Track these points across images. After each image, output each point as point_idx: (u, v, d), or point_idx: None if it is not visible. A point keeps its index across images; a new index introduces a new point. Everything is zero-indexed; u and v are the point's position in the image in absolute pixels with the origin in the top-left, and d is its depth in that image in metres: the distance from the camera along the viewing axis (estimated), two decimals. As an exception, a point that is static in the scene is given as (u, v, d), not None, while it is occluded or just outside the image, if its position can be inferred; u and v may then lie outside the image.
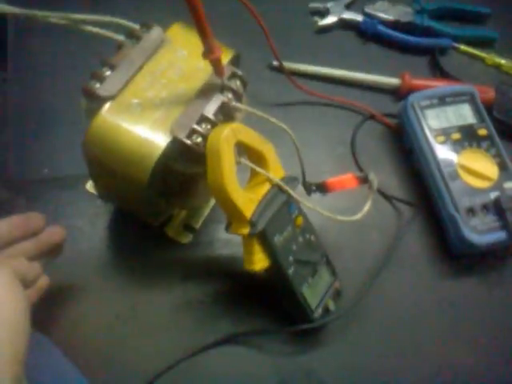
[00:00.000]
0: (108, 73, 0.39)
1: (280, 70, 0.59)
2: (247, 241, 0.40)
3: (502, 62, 0.65)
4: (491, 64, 0.65)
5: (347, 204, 0.52)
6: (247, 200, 0.39)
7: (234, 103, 0.40)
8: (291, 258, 0.42)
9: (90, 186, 0.51)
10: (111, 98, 0.38)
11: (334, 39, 0.65)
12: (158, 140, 0.37)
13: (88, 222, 0.50)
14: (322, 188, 0.47)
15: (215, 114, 0.39)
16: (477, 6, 0.68)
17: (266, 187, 0.40)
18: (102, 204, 0.50)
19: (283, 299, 0.45)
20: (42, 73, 0.59)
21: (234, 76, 0.41)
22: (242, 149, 0.40)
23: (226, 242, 0.50)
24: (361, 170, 0.56)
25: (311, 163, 0.55)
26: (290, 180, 0.42)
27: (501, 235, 0.50)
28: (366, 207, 0.43)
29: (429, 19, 0.64)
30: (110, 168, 0.38)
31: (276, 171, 0.41)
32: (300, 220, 0.42)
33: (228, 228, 0.41)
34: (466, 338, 0.49)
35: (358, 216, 0.43)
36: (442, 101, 0.56)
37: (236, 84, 0.41)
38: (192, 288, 0.48)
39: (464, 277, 0.52)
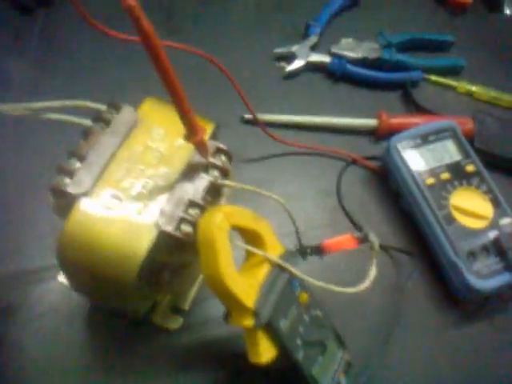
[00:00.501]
0: (77, 165, 0.34)
1: (254, 122, 0.56)
2: (250, 332, 0.36)
3: (473, 88, 0.64)
4: (463, 92, 0.64)
5: (345, 261, 0.50)
6: (247, 288, 0.35)
7: (221, 181, 0.36)
8: (299, 342, 0.38)
9: (62, 277, 0.46)
10: (84, 194, 0.33)
11: (302, 83, 0.63)
12: (143, 236, 0.33)
13: (64, 321, 0.44)
14: (318, 251, 0.44)
15: (203, 197, 0.35)
16: (441, 35, 0.67)
17: (266, 268, 0.37)
18: (77, 297, 0.45)
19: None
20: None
21: (218, 151, 0.37)
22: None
23: (221, 321, 0.46)
24: (352, 221, 0.54)
25: (299, 218, 0.52)
26: (289, 256, 0.39)
27: (505, 277, 0.48)
28: (372, 273, 0.40)
29: (396, 53, 0.63)
30: (89, 271, 0.34)
31: (274, 249, 0.38)
32: (304, 297, 0.39)
33: (227, 319, 0.37)
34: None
35: (366, 284, 0.39)
36: (425, 140, 0.54)
37: (221, 160, 0.37)
38: (187, 381, 0.43)
39: (471, 323, 0.49)
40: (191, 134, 0.33)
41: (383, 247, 0.52)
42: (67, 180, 0.34)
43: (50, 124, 0.37)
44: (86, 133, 0.36)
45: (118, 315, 0.44)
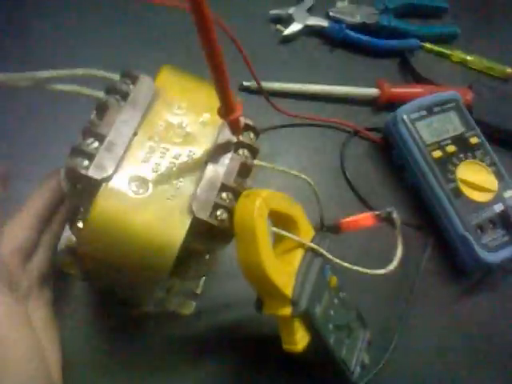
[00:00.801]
0: (95, 145, 0.30)
1: (253, 90, 0.53)
2: (286, 321, 0.34)
3: (468, 58, 0.63)
4: (458, 61, 0.63)
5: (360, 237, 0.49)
6: (286, 276, 0.33)
7: (251, 161, 0.33)
8: (331, 326, 0.37)
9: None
10: (107, 179, 0.30)
11: (299, 48, 0.59)
12: (177, 223, 0.30)
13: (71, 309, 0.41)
14: (335, 229, 0.42)
15: (236, 180, 0.32)
16: (435, 1, 0.65)
17: (300, 253, 0.35)
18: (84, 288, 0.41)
19: (315, 364, 0.40)
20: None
21: (247, 128, 0.34)
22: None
23: (236, 301, 0.44)
24: (358, 195, 0.52)
25: (303, 193, 0.50)
26: (321, 238, 0.37)
27: (511, 250, 0.48)
28: (399, 253, 0.39)
29: (394, 19, 0.61)
30: (117, 263, 0.31)
31: (306, 232, 0.36)
32: (334, 281, 0.37)
33: (260, 307, 0.35)
34: (490, 354, 0.47)
35: (395, 264, 0.38)
36: (430, 111, 0.53)
37: (250, 138, 0.34)
38: (208, 365, 0.41)
39: (477, 293, 0.50)
40: (228, 111, 0.29)
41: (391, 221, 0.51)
42: (86, 162, 0.30)
43: (55, 96, 0.32)
44: (101, 107, 0.32)
45: (128, 305, 0.41)
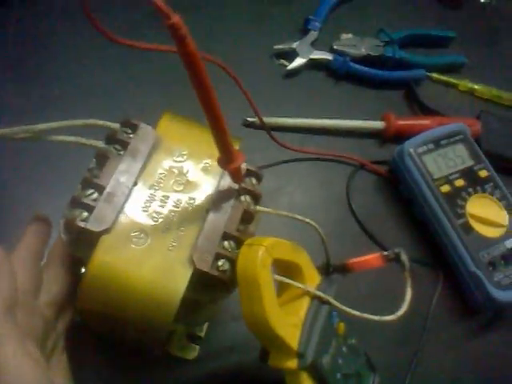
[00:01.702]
0: (95, 196, 0.30)
1: (257, 126, 0.53)
2: (293, 373, 0.33)
3: (476, 87, 0.62)
4: (465, 90, 0.63)
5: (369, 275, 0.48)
6: (292, 327, 0.32)
7: (254, 207, 0.33)
8: (339, 376, 0.35)
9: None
10: (106, 231, 0.29)
11: (304, 82, 0.59)
12: (178, 276, 0.29)
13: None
14: (343, 269, 0.41)
15: (238, 228, 0.31)
16: (442, 31, 0.65)
17: (306, 302, 0.34)
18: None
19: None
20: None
21: (248, 174, 0.34)
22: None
23: (241, 345, 0.43)
24: (365, 230, 0.51)
25: (309, 229, 0.50)
26: (327, 284, 0.36)
27: (525, 286, 0.47)
28: (408, 297, 0.38)
29: (399, 50, 0.61)
30: (116, 316, 0.30)
31: (312, 279, 0.35)
32: (342, 327, 0.36)
33: (264, 359, 0.33)
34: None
35: (404, 309, 0.37)
36: (438, 144, 0.52)
37: (252, 183, 0.33)
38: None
39: (489, 332, 0.49)
40: (228, 161, 0.29)
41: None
42: (85, 214, 0.29)
43: (55, 147, 0.32)
44: (100, 157, 0.31)
45: (132, 349, 0.40)
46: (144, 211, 0.31)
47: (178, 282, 0.29)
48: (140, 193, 0.31)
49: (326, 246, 0.38)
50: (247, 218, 0.33)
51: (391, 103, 0.60)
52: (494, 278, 0.46)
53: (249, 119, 0.53)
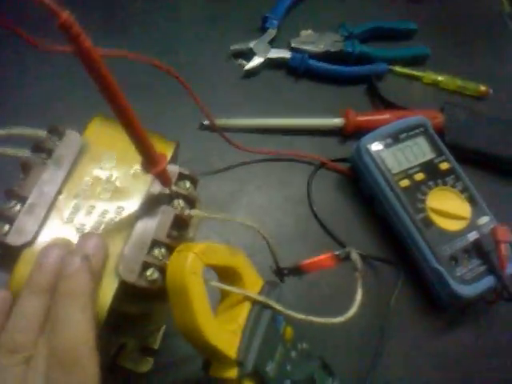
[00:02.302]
0: (17, 208, 0.29)
1: (214, 130, 0.52)
2: (236, 382, 0.32)
3: (440, 78, 0.61)
4: (429, 82, 0.62)
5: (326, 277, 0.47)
6: (228, 335, 0.31)
7: (188, 212, 0.32)
8: (288, 383, 0.34)
9: None
10: (27, 244, 0.28)
11: (263, 82, 0.58)
12: (104, 288, 0.28)
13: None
14: (296, 271, 0.40)
15: (169, 234, 0.30)
16: (403, 23, 0.64)
17: (246, 307, 0.33)
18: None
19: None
20: None
21: (181, 177, 0.32)
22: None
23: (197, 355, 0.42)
24: (326, 230, 0.50)
25: (269, 230, 0.48)
26: (270, 288, 0.35)
27: (489, 280, 0.46)
28: (358, 298, 0.37)
29: (359, 44, 0.60)
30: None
31: (253, 283, 0.34)
32: (289, 332, 0.35)
33: (207, 368, 0.32)
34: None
35: (353, 310, 0.36)
36: (396, 138, 0.51)
37: (185, 187, 0.32)
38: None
39: (455, 329, 0.48)
40: (150, 164, 0.28)
41: (365, 257, 0.49)
42: (6, 227, 0.28)
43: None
44: (24, 166, 0.30)
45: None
46: (68, 222, 0.29)
47: (104, 293, 0.28)
48: (64, 202, 0.30)
49: (271, 248, 0.37)
50: (181, 223, 0.32)
51: (353, 99, 0.59)
52: (456, 273, 0.45)
53: (205, 122, 0.52)
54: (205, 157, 0.52)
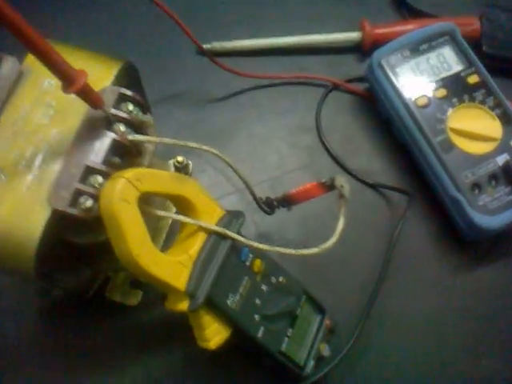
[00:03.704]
0: (-51, 138, 0.28)
1: (215, 54, 0.48)
2: (192, 314, 0.30)
3: (482, -21, 0.52)
4: (469, -15, 0.52)
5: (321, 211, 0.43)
6: (175, 266, 0.29)
7: (131, 136, 0.29)
8: (257, 317, 0.32)
9: None
10: (-39, 174, 0.27)
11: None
12: (34, 218, 0.27)
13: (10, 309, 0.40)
14: (286, 202, 0.37)
15: (106, 161, 0.28)
16: None
17: (200, 239, 0.30)
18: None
19: (262, 360, 0.35)
20: None
21: (123, 99, 0.30)
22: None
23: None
24: (334, 158, 0.45)
25: (273, 165, 0.45)
26: (232, 218, 0.32)
27: (518, 210, 0.39)
28: (339, 228, 0.33)
29: None
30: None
31: (209, 213, 0.31)
32: (259, 264, 0.32)
33: (164, 300, 0.31)
34: (505, 343, 0.39)
35: (332, 241, 0.32)
36: (416, 50, 0.44)
37: (128, 109, 0.30)
38: (153, 362, 0.38)
39: (482, 266, 0.42)
40: (65, 82, 0.25)
41: (374, 186, 0.44)
42: None
43: None
44: (-39, 95, 0.29)
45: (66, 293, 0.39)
46: (5, 149, 0.28)
47: (35, 222, 0.27)
48: (1, 129, 0.29)
49: (240, 176, 0.33)
50: (125, 149, 0.29)
51: (374, 10, 0.52)
52: (478, 202, 0.39)
53: (205, 46, 0.48)
54: (204, 85, 0.48)
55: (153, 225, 0.38)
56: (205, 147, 0.30)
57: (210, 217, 0.31)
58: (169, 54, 0.49)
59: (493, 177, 0.40)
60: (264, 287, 0.33)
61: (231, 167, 0.32)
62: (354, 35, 0.49)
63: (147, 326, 0.40)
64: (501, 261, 0.42)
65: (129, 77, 0.33)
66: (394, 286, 0.40)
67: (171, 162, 0.43)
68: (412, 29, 0.47)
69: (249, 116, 0.47)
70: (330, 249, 0.32)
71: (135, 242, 0.27)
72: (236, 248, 0.31)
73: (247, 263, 0.32)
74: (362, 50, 0.49)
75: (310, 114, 0.47)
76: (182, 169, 0.43)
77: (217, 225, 0.31)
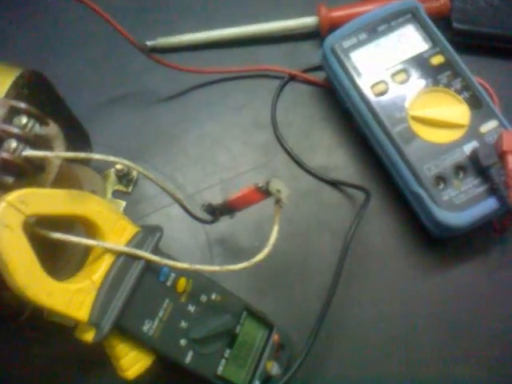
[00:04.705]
0: None
1: (162, 50, 0.45)
2: (105, 344, 0.27)
3: None
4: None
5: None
6: (75, 294, 0.26)
7: (25, 153, 0.26)
8: (184, 342, 0.29)
9: None
10: None
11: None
12: None
13: None
14: (227, 209, 0.34)
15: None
16: None
17: (107, 261, 0.27)
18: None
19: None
20: None
21: (15, 112, 0.27)
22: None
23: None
24: (294, 158, 0.42)
25: (225, 167, 0.42)
26: (147, 235, 0.29)
27: (489, 204, 0.35)
28: (273, 238, 0.29)
29: None
30: None
31: (118, 231, 0.28)
32: (183, 283, 0.29)
33: (74, 329, 0.28)
34: (473, 345, 0.36)
35: (264, 254, 0.29)
36: (373, 32, 0.40)
37: (21, 123, 0.27)
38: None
39: (452, 266, 0.38)
40: None
41: (332, 183, 0.40)
42: None
43: None
44: None
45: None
46: None
47: None
48: None
49: (158, 184, 0.30)
50: (19, 167, 0.26)
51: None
52: (442, 197, 0.35)
53: (148, 43, 0.45)
54: (151, 84, 0.45)
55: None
56: (112, 158, 0.27)
57: (118, 236, 0.28)
58: (114, 55, 0.46)
59: (459, 168, 0.36)
60: (191, 308, 0.30)
61: (143, 174, 0.29)
62: (309, 20, 0.45)
63: (88, 347, 0.37)
64: (471, 260, 0.38)
65: (33, 86, 0.30)
66: (353, 292, 0.37)
67: (112, 170, 0.40)
68: (372, 9, 0.43)
69: (199, 114, 0.44)
70: (262, 261, 0.29)
71: (21, 272, 0.24)
72: (153, 268, 0.28)
73: (168, 284, 0.29)
74: (320, 36, 0.45)
75: (265, 108, 0.44)
76: (123, 177, 0.40)
77: (128, 244, 0.28)
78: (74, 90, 0.44)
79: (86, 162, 0.38)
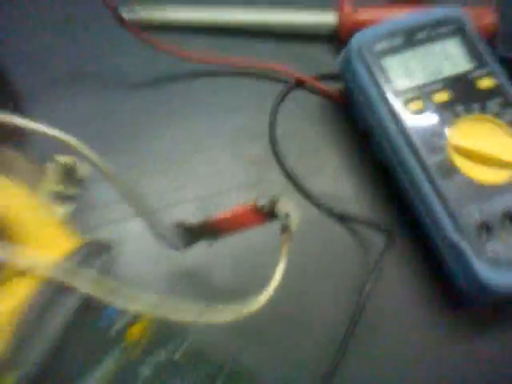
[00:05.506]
0: None
1: (142, 25, 0.36)
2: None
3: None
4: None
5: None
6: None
7: None
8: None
9: None
10: None
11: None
12: None
13: None
14: (208, 232, 0.25)
15: None
16: None
17: (27, 287, 0.17)
18: None
19: None
20: None
21: None
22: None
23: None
24: (291, 179, 0.33)
25: (205, 180, 0.33)
26: (89, 254, 0.19)
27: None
28: (277, 278, 0.20)
29: None
30: None
31: (48, 242, 0.18)
32: (137, 331, 0.19)
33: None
34: None
35: (264, 298, 0.20)
36: (411, 39, 0.33)
37: None
38: None
39: (482, 336, 0.30)
40: None
41: (341, 217, 0.32)
42: None
43: None
44: None
45: None
46: None
47: None
48: None
49: (107, 174, 0.21)
50: None
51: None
52: (486, 250, 0.27)
53: (124, 14, 0.36)
54: (126, 65, 0.36)
55: None
56: (45, 129, 0.18)
57: (46, 249, 0.18)
58: (79, 20, 0.36)
59: (508, 216, 0.28)
60: (144, 369, 0.20)
61: (102, 171, 0.20)
62: (327, 18, 0.37)
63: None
64: (506, 331, 0.29)
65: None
66: (364, 358, 0.28)
67: (52, 165, 0.30)
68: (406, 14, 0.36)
69: (179, 109, 0.35)
70: (260, 307, 0.20)
71: None
72: (94, 305, 0.18)
73: (112, 332, 0.19)
74: (339, 38, 0.37)
75: (262, 115, 0.35)
76: (67, 175, 0.30)
77: (60, 265, 0.17)
78: (24, 60, 0.35)
79: (19, 148, 0.28)
